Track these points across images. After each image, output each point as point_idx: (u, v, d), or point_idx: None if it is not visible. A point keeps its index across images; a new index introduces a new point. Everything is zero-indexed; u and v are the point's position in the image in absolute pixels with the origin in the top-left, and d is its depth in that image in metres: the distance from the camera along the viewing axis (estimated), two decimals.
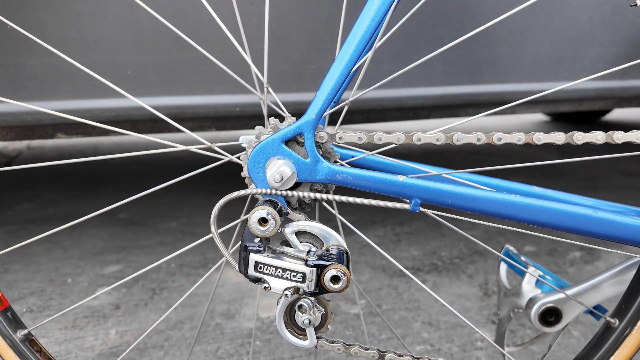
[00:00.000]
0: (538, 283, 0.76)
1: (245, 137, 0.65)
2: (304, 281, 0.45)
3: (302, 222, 0.48)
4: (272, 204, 0.47)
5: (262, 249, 0.46)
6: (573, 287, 0.72)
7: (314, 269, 0.45)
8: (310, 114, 0.46)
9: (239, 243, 0.48)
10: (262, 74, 0.66)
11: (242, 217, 0.54)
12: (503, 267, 0.86)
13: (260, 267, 0.46)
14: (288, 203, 0.50)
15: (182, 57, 0.79)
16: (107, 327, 1.08)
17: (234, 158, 0.55)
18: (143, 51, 0.77)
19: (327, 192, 0.51)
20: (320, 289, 0.45)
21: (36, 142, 2.99)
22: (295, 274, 0.45)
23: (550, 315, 0.72)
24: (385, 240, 1.52)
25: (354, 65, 0.46)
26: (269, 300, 1.18)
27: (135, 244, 1.53)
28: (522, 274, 0.78)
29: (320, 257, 0.45)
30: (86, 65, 0.72)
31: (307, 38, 0.82)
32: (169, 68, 0.80)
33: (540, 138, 0.46)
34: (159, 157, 2.64)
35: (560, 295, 0.71)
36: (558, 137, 0.46)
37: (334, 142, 0.48)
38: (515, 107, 1.08)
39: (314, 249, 0.47)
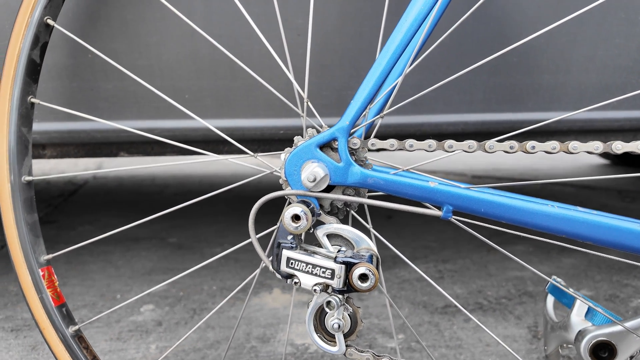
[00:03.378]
0: (589, 315, 0.71)
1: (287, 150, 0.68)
2: (332, 277, 0.46)
3: (334, 225, 0.50)
4: (305, 203, 0.49)
5: (294, 246, 0.49)
6: (631, 319, 0.66)
7: (343, 265, 0.46)
8: (344, 121, 0.50)
9: (272, 240, 0.51)
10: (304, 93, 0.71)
11: (279, 224, 0.57)
12: (550, 299, 0.82)
13: (292, 263, 0.48)
14: (321, 206, 0.52)
15: (234, 84, 0.87)
16: (149, 341, 1.13)
17: (275, 169, 0.59)
18: (200, 77, 0.86)
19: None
20: (348, 287, 0.46)
21: (101, 172, 3.26)
22: (324, 270, 0.47)
23: (603, 351, 0.66)
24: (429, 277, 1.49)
25: (387, 75, 0.49)
26: (303, 327, 1.17)
27: (181, 266, 1.60)
28: (571, 305, 0.73)
29: (349, 256, 0.47)
30: (150, 90, 0.81)
31: (349, 66, 0.88)
32: (222, 93, 0.88)
33: (576, 147, 0.46)
34: (210, 189, 2.78)
35: (615, 328, 0.65)
36: (596, 146, 0.46)
37: (367, 148, 0.51)
38: (561, 137, 1.05)
39: (343, 249, 0.49)
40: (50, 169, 3.39)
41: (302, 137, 0.57)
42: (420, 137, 1.03)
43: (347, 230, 0.50)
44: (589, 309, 0.71)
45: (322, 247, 0.50)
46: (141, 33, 0.84)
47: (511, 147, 0.46)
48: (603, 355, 0.66)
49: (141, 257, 1.69)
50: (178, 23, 0.83)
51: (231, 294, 0.78)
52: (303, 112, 0.60)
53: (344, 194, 0.52)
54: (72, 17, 0.83)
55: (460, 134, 0.95)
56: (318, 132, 0.57)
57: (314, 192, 0.49)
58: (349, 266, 0.45)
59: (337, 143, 0.50)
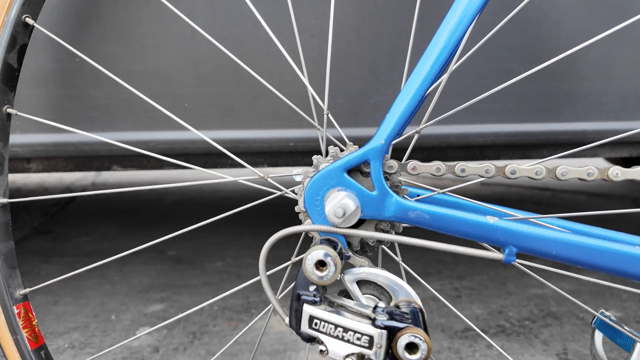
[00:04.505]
0: None
1: (301, 169, 0.59)
2: (370, 347, 0.36)
3: (366, 269, 0.40)
4: (331, 244, 0.39)
5: (318, 299, 0.38)
6: None
7: (384, 331, 0.35)
8: (378, 139, 0.40)
9: (290, 288, 0.41)
10: (318, 104, 0.61)
11: (294, 259, 0.47)
12: (598, 336, 0.71)
13: (316, 324, 0.38)
14: (348, 244, 0.42)
15: (239, 91, 0.77)
16: None
17: (287, 191, 0.49)
18: (202, 84, 0.76)
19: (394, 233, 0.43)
20: (391, 358, 0.36)
21: (100, 180, 3.16)
22: (360, 336, 0.36)
23: None
24: (443, 296, 1.38)
25: (432, 84, 0.40)
26: (313, 355, 1.07)
27: (181, 282, 1.50)
28: (627, 346, 0.64)
29: (391, 316, 0.36)
30: (148, 97, 0.71)
31: (367, 71, 0.78)
32: (226, 101, 0.78)
33: (617, 173, 0.36)
34: (211, 197, 2.68)
35: None
36: None
37: (405, 173, 0.41)
38: (597, 149, 0.96)
39: (381, 304, 0.38)
40: (43, 176, 3.30)
41: (322, 155, 0.47)
42: (447, 155, 0.93)
43: (383, 277, 0.40)
44: None
45: (351, 298, 0.40)
46: (136, 35, 0.74)
47: (589, 174, 0.37)
48: None
49: (138, 272, 1.58)
50: (178, 23, 0.73)
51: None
52: (322, 125, 0.50)
53: (377, 229, 0.42)
54: (56, 17, 0.73)
55: (490, 146, 0.86)
56: (341, 149, 0.47)
57: (343, 228, 0.39)
58: (391, 331, 0.35)
59: (369, 167, 0.40)
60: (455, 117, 0.85)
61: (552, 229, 0.36)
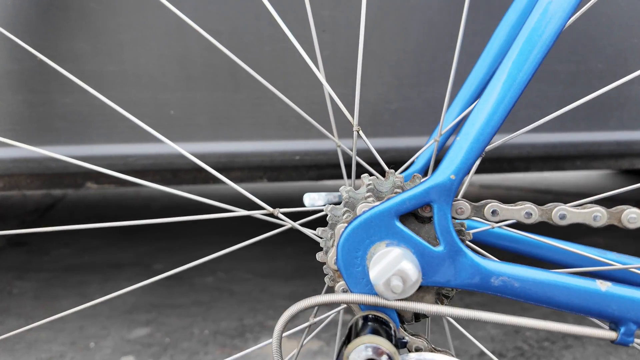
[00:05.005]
0: None
1: (309, 196, 0.47)
2: None
3: (427, 357, 0.29)
4: (382, 325, 0.28)
5: None
6: None
7: None
8: (444, 173, 0.28)
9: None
10: (335, 112, 0.49)
11: (311, 321, 0.36)
12: None
13: None
14: (399, 317, 0.31)
15: (237, 96, 0.65)
16: None
17: (309, 232, 0.37)
18: (191, 88, 0.63)
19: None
20: None
21: None
22: None
23: None
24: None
25: (519, 96, 0.29)
26: None
27: (168, 301, 1.37)
28: None
29: None
30: (125, 103, 0.59)
31: (388, 73, 0.66)
32: (221, 108, 0.66)
33: None
34: (202, 203, 2.54)
35: None
36: None
37: (480, 220, 0.30)
38: (636, 161, 0.85)
39: None
40: None
41: (346, 179, 0.35)
42: (488, 167, 0.82)
43: None
44: None
45: None
46: (110, 28, 0.61)
47: None
48: None
49: (122, 288, 1.45)
50: (162, 15, 0.60)
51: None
52: (353, 147, 0.38)
53: (438, 295, 0.30)
54: (11, 6, 0.60)
55: (525, 158, 0.75)
56: (369, 173, 0.36)
57: (400, 301, 0.27)
58: None
59: (430, 210, 0.29)
60: None
61: None
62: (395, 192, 0.31)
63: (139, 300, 1.36)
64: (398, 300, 0.28)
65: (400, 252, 0.27)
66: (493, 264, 0.28)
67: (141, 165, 0.66)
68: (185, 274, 1.55)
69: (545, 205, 0.29)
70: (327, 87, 0.39)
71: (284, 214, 0.39)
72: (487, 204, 0.29)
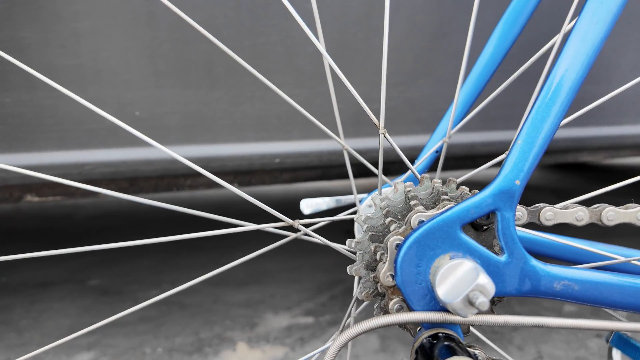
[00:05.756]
0: None
1: (307, 202, 0.45)
2: None
3: None
4: (457, 344, 0.26)
5: None
6: None
7: None
8: (509, 179, 0.27)
9: None
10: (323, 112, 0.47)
11: (335, 344, 0.33)
12: (617, 355, 0.67)
13: None
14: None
15: (212, 95, 0.59)
16: None
17: (347, 250, 0.34)
18: (161, 86, 0.57)
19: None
20: None
21: None
22: None
23: None
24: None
25: (575, 93, 0.28)
26: None
27: (111, 321, 1.24)
28: None
29: None
30: (83, 101, 0.51)
31: (372, 71, 0.65)
32: (194, 108, 0.59)
33: None
34: (133, 210, 2.36)
35: None
36: None
37: (538, 223, 0.29)
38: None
39: None
40: None
41: (379, 193, 0.33)
42: (477, 163, 0.84)
43: None
44: None
45: None
46: (64, 16, 0.52)
47: None
48: None
49: (53, 311, 1.28)
50: (127, 1, 0.53)
51: None
52: (379, 149, 0.36)
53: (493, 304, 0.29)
54: None
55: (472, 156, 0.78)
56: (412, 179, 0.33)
57: (483, 315, 0.25)
58: None
59: (491, 218, 0.27)
60: (485, 123, 0.75)
61: None
62: (443, 200, 0.29)
63: (76, 322, 1.21)
64: (478, 314, 0.27)
65: (472, 266, 0.26)
66: (555, 269, 0.28)
67: (100, 174, 0.58)
68: (126, 288, 1.42)
69: (591, 207, 0.30)
70: (350, 87, 0.36)
71: (304, 225, 0.36)
72: (541, 208, 0.29)
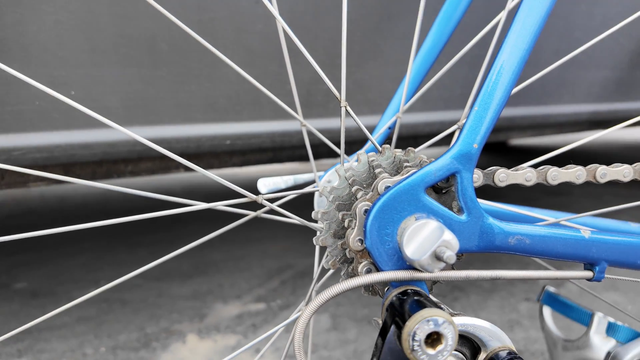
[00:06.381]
0: (610, 331, 0.66)
1: (265, 182, 0.45)
2: None
3: (466, 320, 0.29)
4: (425, 298, 0.27)
5: None
6: None
7: None
8: (468, 142, 0.29)
9: None
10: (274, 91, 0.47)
11: (290, 319, 0.33)
12: (547, 312, 0.74)
13: None
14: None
15: (156, 73, 0.56)
16: None
17: (313, 225, 0.34)
18: (99, 64, 0.52)
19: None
20: None
21: None
22: None
23: None
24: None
25: (526, 60, 0.30)
26: None
27: (43, 324, 1.15)
28: (583, 321, 0.67)
29: None
30: (6, 81, 0.47)
31: (322, 51, 0.65)
32: (136, 88, 0.56)
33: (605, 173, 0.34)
34: (58, 205, 2.18)
35: None
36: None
37: (492, 185, 0.31)
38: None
39: None
40: None
41: (341, 163, 0.34)
42: (419, 143, 0.86)
43: (485, 328, 0.29)
44: (610, 325, 0.66)
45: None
46: None
47: None
48: None
49: None
50: None
51: None
52: (341, 123, 0.36)
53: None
54: None
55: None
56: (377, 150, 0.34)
57: (448, 271, 0.27)
58: None
59: (451, 181, 0.29)
60: (436, 104, 0.78)
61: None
62: (405, 167, 0.31)
63: (3, 329, 1.11)
64: (443, 271, 0.28)
65: (437, 224, 0.27)
66: (509, 226, 0.30)
67: (30, 159, 0.53)
68: (59, 288, 1.32)
69: (538, 168, 0.33)
70: (314, 64, 0.36)
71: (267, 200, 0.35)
72: (495, 171, 0.31)
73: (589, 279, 0.32)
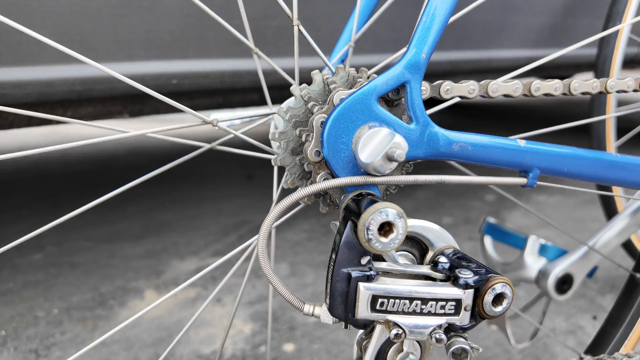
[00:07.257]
0: (542, 252, 0.73)
1: (218, 115, 0.45)
2: (457, 312, 0.28)
3: (414, 222, 0.32)
4: (377, 198, 0.29)
5: (374, 273, 0.28)
6: (592, 239, 0.68)
7: (471, 290, 0.29)
8: (417, 53, 0.30)
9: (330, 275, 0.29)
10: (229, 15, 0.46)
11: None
12: (488, 240, 0.81)
13: (382, 304, 0.28)
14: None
15: (90, 4, 0.52)
16: None
17: (270, 149, 0.34)
18: None
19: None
20: (475, 318, 0.30)
21: None
22: (444, 303, 0.28)
23: (565, 283, 0.69)
24: (316, 235, 1.39)
25: None
26: (205, 330, 0.94)
27: None
28: (519, 245, 0.74)
29: (475, 273, 0.29)
30: None
31: None
32: (68, 20, 0.52)
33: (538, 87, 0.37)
34: (15, 166, 2.02)
35: (569, 260, 0.67)
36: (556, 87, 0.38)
37: (437, 97, 0.33)
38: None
39: (442, 258, 0.31)
40: None
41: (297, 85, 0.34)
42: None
43: (432, 229, 0.32)
44: (542, 246, 0.73)
45: (383, 260, 0.31)
46: None
47: (556, 89, 0.36)
48: (564, 287, 0.69)
49: None
50: None
51: None
52: (294, 45, 0.36)
53: (403, 170, 0.33)
54: None
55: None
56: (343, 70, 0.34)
57: (386, 174, 0.28)
58: (477, 288, 0.28)
59: (401, 92, 0.30)
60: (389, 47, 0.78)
61: (563, 148, 0.35)
62: (358, 81, 0.32)
63: None
64: (390, 176, 0.30)
65: (388, 131, 0.29)
66: (453, 134, 0.32)
67: None
68: (1, 256, 1.25)
69: (481, 82, 0.35)
70: None
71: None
72: (441, 83, 0.33)
73: (523, 185, 0.35)
